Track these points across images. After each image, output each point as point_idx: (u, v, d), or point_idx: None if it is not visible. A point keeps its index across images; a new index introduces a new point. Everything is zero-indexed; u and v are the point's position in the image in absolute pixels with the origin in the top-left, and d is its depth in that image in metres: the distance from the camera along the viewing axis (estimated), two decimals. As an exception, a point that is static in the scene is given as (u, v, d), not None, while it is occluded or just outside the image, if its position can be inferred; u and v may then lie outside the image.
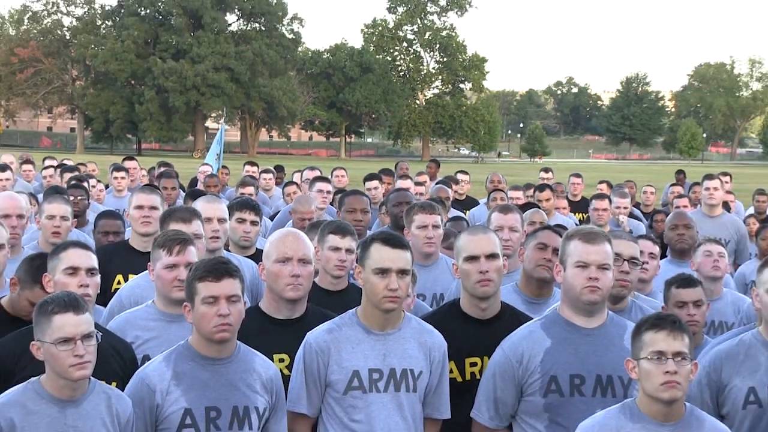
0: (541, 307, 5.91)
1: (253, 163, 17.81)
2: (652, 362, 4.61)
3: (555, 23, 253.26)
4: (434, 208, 7.68)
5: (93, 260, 5.87)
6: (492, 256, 5.79)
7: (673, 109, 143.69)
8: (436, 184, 14.27)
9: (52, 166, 16.24)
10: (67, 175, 13.51)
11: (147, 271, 6.57)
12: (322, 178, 12.05)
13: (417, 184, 14.02)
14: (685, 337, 4.69)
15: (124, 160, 15.66)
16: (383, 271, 5.28)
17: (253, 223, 8.22)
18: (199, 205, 7.68)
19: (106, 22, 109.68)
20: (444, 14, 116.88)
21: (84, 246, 6.07)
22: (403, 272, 5.34)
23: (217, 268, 5.05)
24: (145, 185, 10.61)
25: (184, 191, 11.91)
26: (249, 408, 5.06)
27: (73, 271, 5.66)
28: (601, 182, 13.44)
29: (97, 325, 5.08)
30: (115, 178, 13.45)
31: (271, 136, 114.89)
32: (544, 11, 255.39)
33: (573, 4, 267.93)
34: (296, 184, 13.41)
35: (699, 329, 6.30)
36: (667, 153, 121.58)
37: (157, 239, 6.11)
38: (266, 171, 16.17)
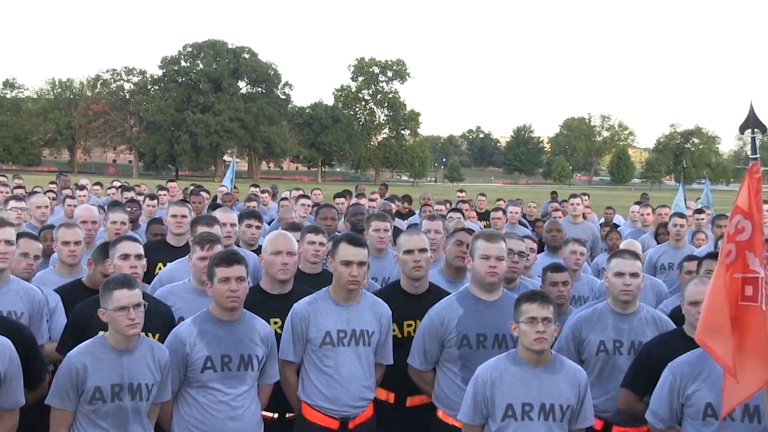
0: (458, 286, 5.96)
1: (256, 185, 17.79)
2: (527, 324, 4.75)
3: (468, 86, 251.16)
4: (385, 217, 7.71)
5: (140, 249, 5.93)
6: (422, 250, 5.91)
7: (549, 149, 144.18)
8: (384, 200, 14.27)
9: (115, 187, 16.11)
10: (126, 194, 13.39)
11: (180, 259, 6.69)
12: (304, 196, 12.04)
13: (370, 200, 14.10)
14: (551, 307, 4.82)
15: (167, 182, 15.59)
16: (347, 263, 5.43)
17: (257, 227, 8.26)
18: (218, 214, 7.79)
19: (154, 86, 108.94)
20: (390, 82, 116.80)
21: (133, 239, 6.15)
22: (361, 263, 5.48)
23: (229, 257, 5.18)
24: (180, 200, 10.57)
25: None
26: (252, 356, 5.16)
27: (125, 257, 5.70)
28: (498, 200, 13.47)
29: (145, 295, 5.23)
30: (160, 195, 13.39)
31: (269, 167, 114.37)
32: (460, 77, 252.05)
33: (480, 72, 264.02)
34: (286, 199, 13.37)
35: (566, 302, 6.37)
36: (545, 180, 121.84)
37: (195, 237, 6.23)
38: (264, 191, 16.15)
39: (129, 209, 9.53)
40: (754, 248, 4.36)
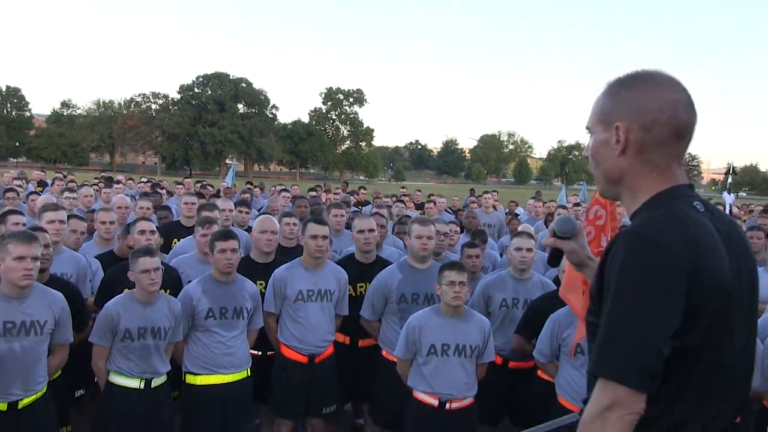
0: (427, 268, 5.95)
1: (249, 182, 17.56)
2: (448, 286, 4.80)
3: (409, 110, 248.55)
4: (341, 206, 7.68)
5: (153, 227, 5.95)
6: (371, 230, 5.93)
7: (469, 157, 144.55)
8: (345, 193, 14.26)
9: (143, 182, 16.04)
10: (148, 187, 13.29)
11: (188, 236, 6.61)
12: (285, 189, 12.24)
13: (335, 194, 14.04)
14: (465, 274, 4.87)
15: (183, 179, 15.48)
16: (314, 237, 5.45)
17: (247, 212, 8.21)
18: (218, 202, 7.74)
19: (174, 107, 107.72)
20: (351, 106, 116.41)
21: (148, 220, 6.11)
22: (324, 237, 5.49)
23: (226, 234, 5.22)
24: (190, 192, 10.46)
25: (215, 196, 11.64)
26: (242, 308, 5.15)
27: (142, 232, 5.63)
28: (431, 195, 13.46)
29: (163, 263, 5.16)
30: (177, 188, 13.27)
31: (260, 168, 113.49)
32: (404, 102, 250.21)
33: (418, 98, 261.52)
34: (272, 192, 13.34)
35: (478, 269, 6.38)
36: (466, 180, 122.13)
37: (198, 220, 6.17)
38: (256, 186, 15.97)
39: (153, 199, 9.49)
40: (606, 231, 4.55)
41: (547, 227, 10.43)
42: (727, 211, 5.84)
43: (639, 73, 1.90)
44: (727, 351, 1.80)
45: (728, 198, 5.59)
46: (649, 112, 1.83)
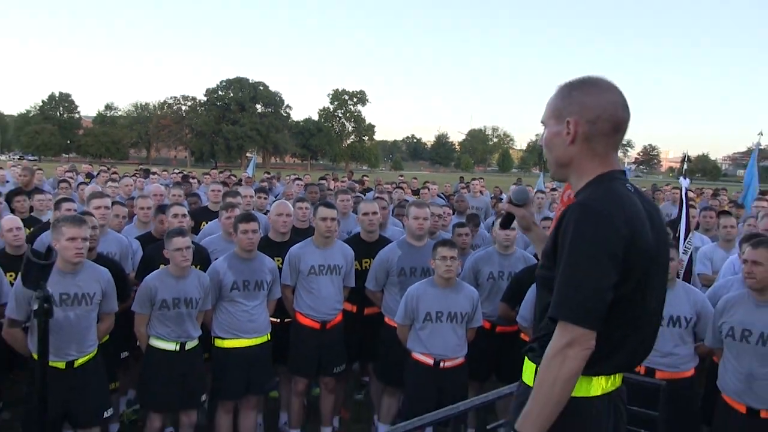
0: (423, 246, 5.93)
1: (267, 173, 17.50)
2: (440, 261, 4.81)
3: (406, 107, 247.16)
4: (347, 192, 7.65)
5: (185, 211, 5.93)
6: (374, 213, 5.89)
7: (458, 149, 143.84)
8: (350, 181, 14.22)
9: (175, 173, 15.99)
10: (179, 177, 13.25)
11: (215, 220, 6.57)
12: (298, 178, 12.03)
13: (342, 182, 14.02)
14: (456, 250, 4.88)
15: (210, 170, 15.43)
16: (324, 219, 5.42)
17: (265, 198, 8.17)
18: (240, 190, 7.67)
19: (201, 107, 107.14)
20: (355, 105, 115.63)
21: (181, 205, 6.09)
22: (333, 219, 5.42)
23: (247, 217, 5.21)
24: (216, 181, 10.45)
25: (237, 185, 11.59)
26: (263, 281, 5.14)
27: (175, 216, 5.64)
28: (425, 182, 13.43)
29: (193, 243, 5.17)
30: (205, 178, 13.25)
31: (275, 160, 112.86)
32: (401, 101, 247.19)
33: (414, 98, 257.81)
34: (286, 181, 13.30)
35: (467, 246, 6.36)
36: (456, 169, 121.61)
37: (222, 205, 6.08)
38: (272, 176, 15.90)
39: (184, 187, 9.50)
40: (559, 209, 4.54)
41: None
42: (683, 195, 5.85)
43: (586, 79, 2.05)
44: (648, 299, 2.00)
45: (684, 182, 5.59)
46: (594, 110, 1.99)
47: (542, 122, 2.13)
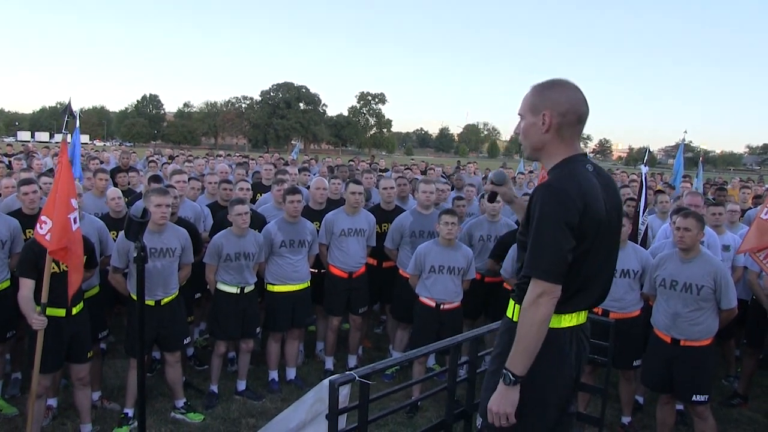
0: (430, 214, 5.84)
1: (307, 156, 17.48)
2: (444, 225, 4.76)
3: (417, 106, 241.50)
4: (371, 171, 7.62)
5: (248, 185, 5.92)
6: (391, 188, 5.83)
7: (457, 139, 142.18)
8: (373, 163, 14.13)
9: (237, 155, 16.07)
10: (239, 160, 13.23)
11: (268, 192, 6.53)
12: (329, 159, 11.95)
13: (364, 163, 13.91)
14: (456, 217, 4.82)
15: (264, 153, 15.43)
16: (353, 193, 5.35)
17: (306, 175, 8.13)
18: (288, 169, 7.69)
19: (257, 105, 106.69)
20: (377, 104, 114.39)
21: (246, 180, 6.07)
22: (360, 193, 5.41)
23: (293, 190, 5.18)
24: (269, 162, 10.43)
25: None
26: (304, 240, 5.12)
27: (241, 189, 5.71)
28: (431, 165, 13.32)
29: (252, 209, 5.14)
30: (260, 160, 13.24)
31: (314, 147, 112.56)
32: (413, 101, 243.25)
33: (422, 98, 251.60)
34: (323, 163, 13.24)
35: (464, 215, 6.28)
36: (455, 155, 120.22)
37: (273, 180, 6.10)
38: (311, 159, 15.87)
39: (244, 167, 9.49)
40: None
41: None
42: (644, 179, 5.78)
43: (556, 80, 2.04)
44: (598, 258, 2.01)
45: (644, 170, 5.53)
46: (564, 105, 1.99)
47: (519, 114, 2.10)
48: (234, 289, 4.77)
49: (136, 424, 4.04)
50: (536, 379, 1.97)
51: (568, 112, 1.99)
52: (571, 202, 1.88)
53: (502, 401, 1.96)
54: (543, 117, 2.00)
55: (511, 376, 1.93)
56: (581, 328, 2.10)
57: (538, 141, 2.05)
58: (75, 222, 3.62)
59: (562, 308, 1.98)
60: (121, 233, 4.01)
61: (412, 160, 18.79)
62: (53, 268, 3.67)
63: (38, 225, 3.62)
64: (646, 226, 5.60)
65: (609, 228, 2.02)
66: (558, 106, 1.99)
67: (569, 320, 2.04)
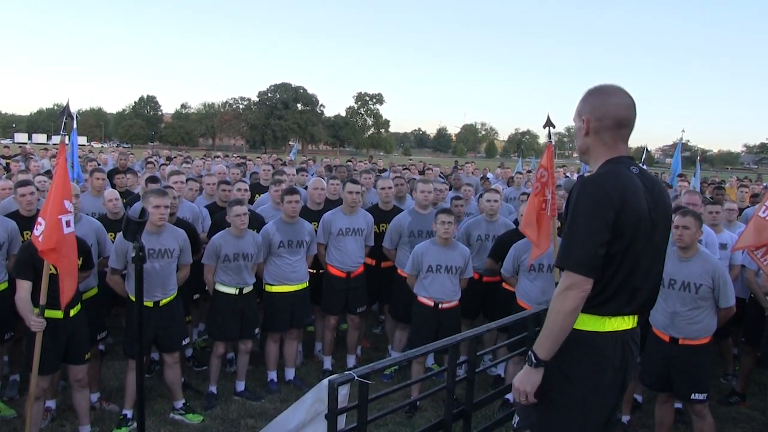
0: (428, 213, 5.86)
1: (305, 156, 17.46)
2: (440, 225, 4.76)
3: (412, 107, 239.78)
4: (369, 171, 7.58)
5: (246, 186, 5.93)
6: (390, 188, 5.81)
7: (455, 139, 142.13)
8: (371, 164, 14.12)
9: (235, 156, 16.04)
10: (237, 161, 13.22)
11: (266, 193, 6.51)
12: (327, 160, 11.93)
13: (362, 163, 13.88)
14: (452, 216, 4.83)
15: (261, 154, 15.44)
16: (351, 192, 5.37)
17: (303, 175, 8.10)
18: (285, 169, 7.62)
19: (254, 106, 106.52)
20: (374, 104, 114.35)
21: (244, 181, 6.05)
22: (357, 193, 5.41)
23: (291, 190, 5.17)
24: (266, 162, 10.41)
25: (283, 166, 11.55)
26: (302, 241, 5.12)
27: (239, 189, 5.69)
28: (429, 165, 13.31)
29: (250, 210, 5.10)
30: (257, 160, 13.22)
31: (311, 147, 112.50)
32: (409, 102, 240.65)
33: (419, 100, 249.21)
34: (320, 164, 13.24)
35: (462, 214, 6.28)
36: (453, 155, 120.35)
37: (271, 181, 6.06)
38: (309, 159, 15.83)
39: (241, 167, 9.46)
40: (548, 185, 4.53)
41: (508, 186, 10.38)
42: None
43: (600, 86, 2.10)
44: (640, 260, 2.00)
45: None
46: (599, 110, 2.05)
47: (574, 120, 2.18)
48: (232, 290, 4.75)
49: (135, 425, 4.04)
50: (576, 382, 2.01)
51: (605, 117, 2.05)
52: (607, 197, 1.90)
53: (525, 380, 2.02)
54: (583, 121, 2.09)
55: (533, 358, 1.98)
56: (630, 334, 2.09)
57: (582, 144, 2.13)
58: (68, 225, 3.57)
59: (603, 310, 1.99)
60: (120, 234, 4.00)
61: (410, 160, 18.78)
62: (51, 269, 3.66)
63: (35, 226, 3.61)
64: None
65: (652, 230, 2.01)
66: (595, 111, 2.06)
67: (614, 324, 2.02)
